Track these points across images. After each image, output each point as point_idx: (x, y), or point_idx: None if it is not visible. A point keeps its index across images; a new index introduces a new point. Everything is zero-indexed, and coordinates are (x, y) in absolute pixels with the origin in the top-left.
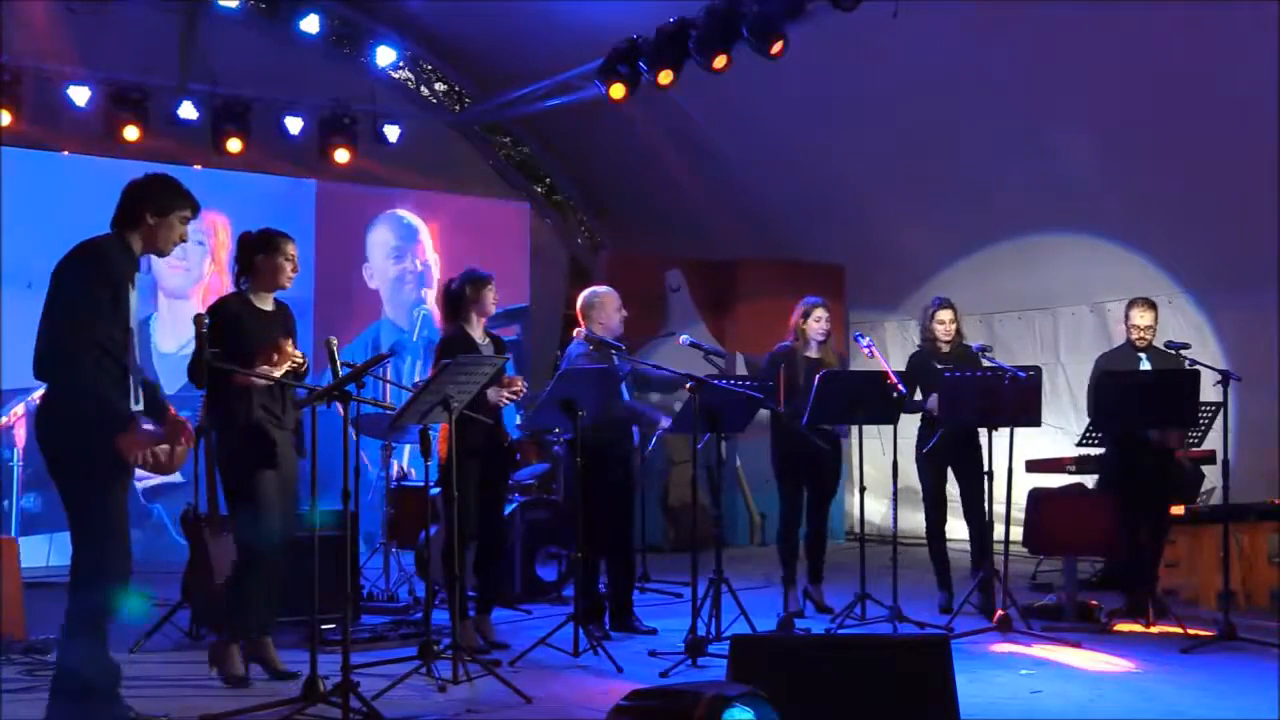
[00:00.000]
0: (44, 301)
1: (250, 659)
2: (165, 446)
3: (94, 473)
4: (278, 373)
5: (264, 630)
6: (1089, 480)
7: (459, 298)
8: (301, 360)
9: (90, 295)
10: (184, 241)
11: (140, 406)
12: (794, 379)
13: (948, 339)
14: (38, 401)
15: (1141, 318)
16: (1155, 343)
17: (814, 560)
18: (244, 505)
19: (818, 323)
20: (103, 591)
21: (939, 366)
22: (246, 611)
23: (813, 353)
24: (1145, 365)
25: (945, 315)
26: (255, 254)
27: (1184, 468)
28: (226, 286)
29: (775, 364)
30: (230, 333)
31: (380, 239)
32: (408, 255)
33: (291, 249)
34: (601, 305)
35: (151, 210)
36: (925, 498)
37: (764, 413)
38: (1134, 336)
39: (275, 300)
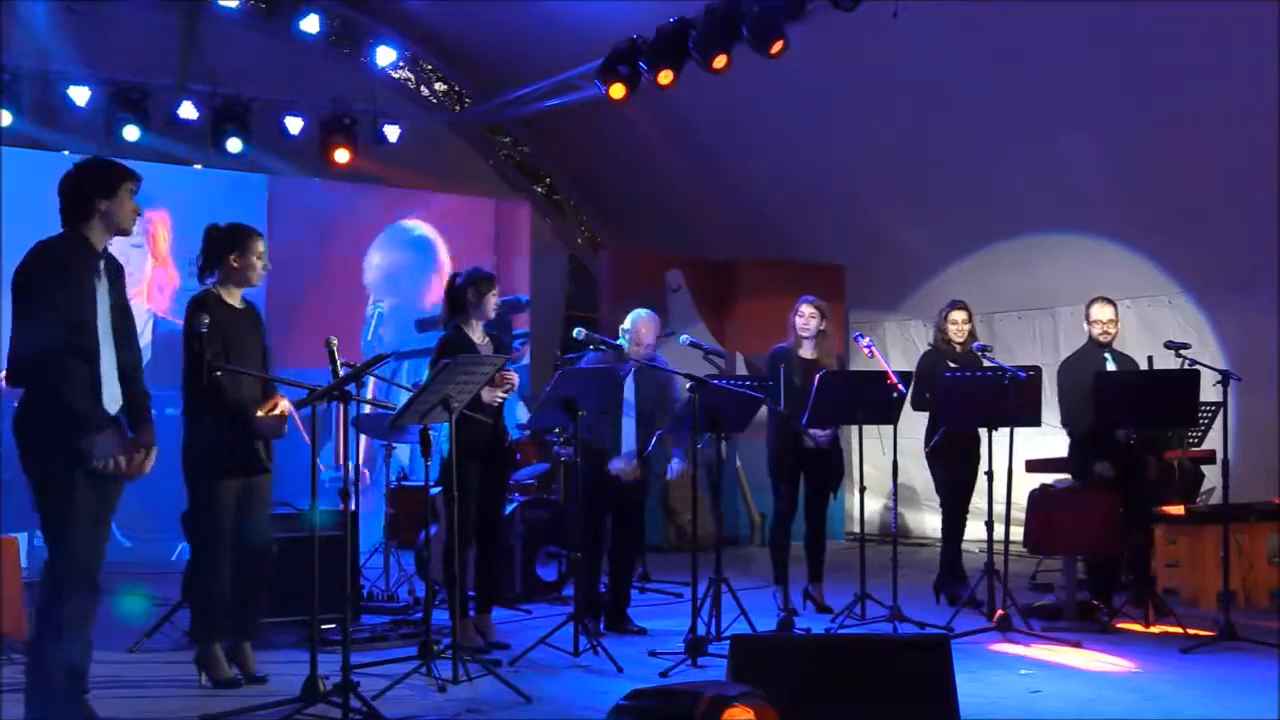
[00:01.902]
0: (10, 308)
1: (228, 658)
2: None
3: (59, 476)
4: (263, 417)
5: (246, 634)
6: None
7: (460, 297)
8: (283, 425)
9: (48, 300)
10: (139, 215)
11: (117, 407)
12: (790, 379)
13: (961, 340)
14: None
15: (1103, 311)
16: (1150, 343)
17: (813, 560)
18: (203, 510)
19: (800, 318)
20: (57, 593)
21: (951, 366)
22: (209, 613)
23: (808, 352)
24: (1110, 366)
25: (959, 316)
26: (228, 252)
27: (1182, 468)
28: (169, 281)
29: (774, 363)
30: (210, 332)
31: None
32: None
33: (261, 246)
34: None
35: (100, 195)
36: (940, 498)
37: (762, 411)
38: (1098, 332)
39: (242, 298)
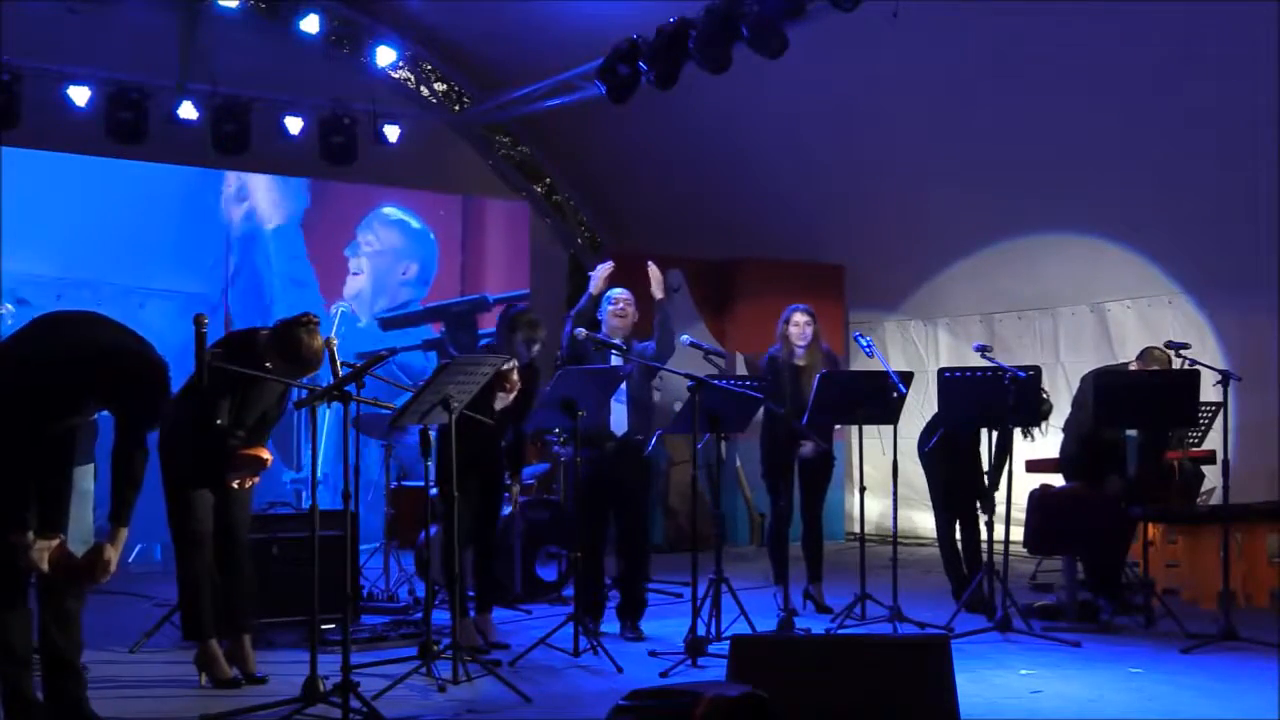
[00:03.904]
0: None
1: (227, 658)
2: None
3: None
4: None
5: (240, 630)
6: None
7: (499, 332)
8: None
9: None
10: None
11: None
12: (779, 383)
13: None
14: None
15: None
16: (1152, 341)
17: (812, 560)
18: (181, 513)
19: (795, 327)
20: None
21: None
22: (196, 612)
23: (799, 359)
24: None
25: None
26: (280, 351)
27: (1183, 468)
28: None
29: (770, 368)
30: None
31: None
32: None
33: (310, 357)
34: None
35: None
36: (933, 499)
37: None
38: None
39: None
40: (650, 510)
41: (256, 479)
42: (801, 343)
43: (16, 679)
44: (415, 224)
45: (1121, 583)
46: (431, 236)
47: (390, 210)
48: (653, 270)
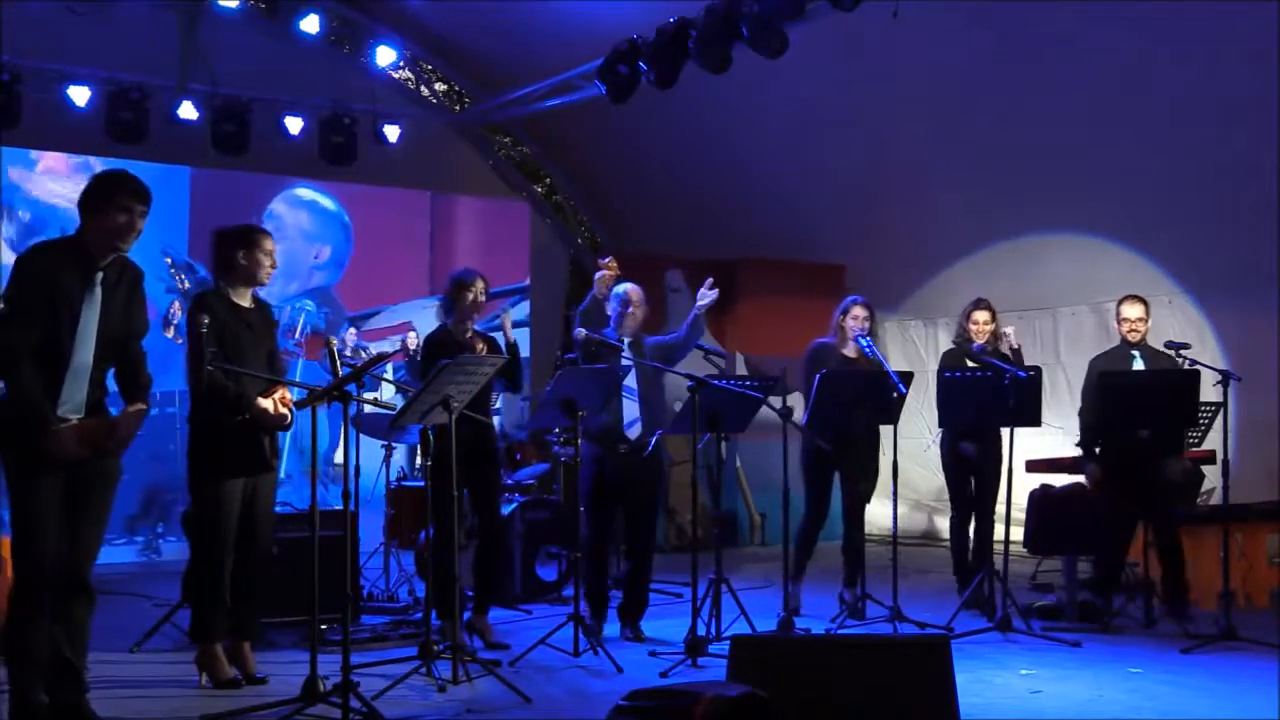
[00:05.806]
0: None
1: (227, 658)
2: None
3: (13, 474)
4: (266, 402)
5: (245, 634)
6: None
7: (447, 299)
8: (289, 414)
9: (13, 299)
10: (136, 233)
11: (79, 415)
12: None
13: (982, 339)
14: None
15: (1132, 309)
16: (1153, 342)
17: (850, 566)
18: (207, 510)
19: (854, 320)
20: (16, 587)
21: (971, 365)
22: (210, 613)
23: (850, 351)
24: (1139, 364)
25: (981, 316)
26: (234, 250)
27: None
28: None
29: (813, 360)
30: (210, 330)
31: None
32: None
33: (270, 244)
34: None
35: (90, 205)
36: (950, 497)
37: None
38: (1125, 330)
39: (254, 298)
40: (658, 512)
41: (287, 422)
42: (857, 335)
43: (27, 684)
44: (330, 205)
45: (1122, 583)
46: (345, 219)
47: (303, 191)
48: (704, 291)
